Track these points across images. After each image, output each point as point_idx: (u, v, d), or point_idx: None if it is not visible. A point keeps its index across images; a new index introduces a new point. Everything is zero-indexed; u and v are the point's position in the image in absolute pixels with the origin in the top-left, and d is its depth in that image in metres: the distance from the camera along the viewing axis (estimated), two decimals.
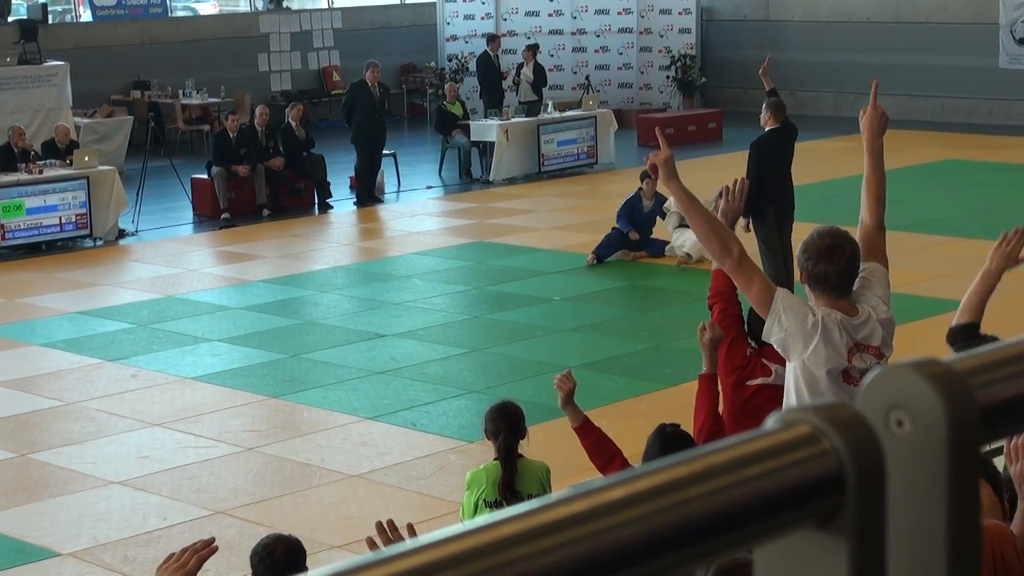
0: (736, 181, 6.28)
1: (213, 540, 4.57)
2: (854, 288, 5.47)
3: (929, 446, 1.17)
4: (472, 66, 25.35)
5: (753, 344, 6.30)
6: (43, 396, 11.68)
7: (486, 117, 22.29)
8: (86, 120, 22.33)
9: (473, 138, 21.67)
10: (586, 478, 6.03)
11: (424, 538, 1.04)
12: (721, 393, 6.33)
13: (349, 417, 10.92)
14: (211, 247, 17.76)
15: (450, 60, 27.47)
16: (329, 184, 19.81)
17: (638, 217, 15.85)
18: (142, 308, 14.38)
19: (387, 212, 19.64)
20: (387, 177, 20.72)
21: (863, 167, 5.79)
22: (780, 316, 5.35)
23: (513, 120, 21.54)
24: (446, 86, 23.68)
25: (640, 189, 15.96)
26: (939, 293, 13.76)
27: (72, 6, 26.33)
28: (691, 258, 15.06)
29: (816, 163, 19.34)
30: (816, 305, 5.40)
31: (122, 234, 18.01)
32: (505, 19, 28.05)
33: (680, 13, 27.69)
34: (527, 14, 28.04)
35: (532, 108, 22.55)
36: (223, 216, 18.76)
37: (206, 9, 28.77)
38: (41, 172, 17.54)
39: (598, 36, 28.10)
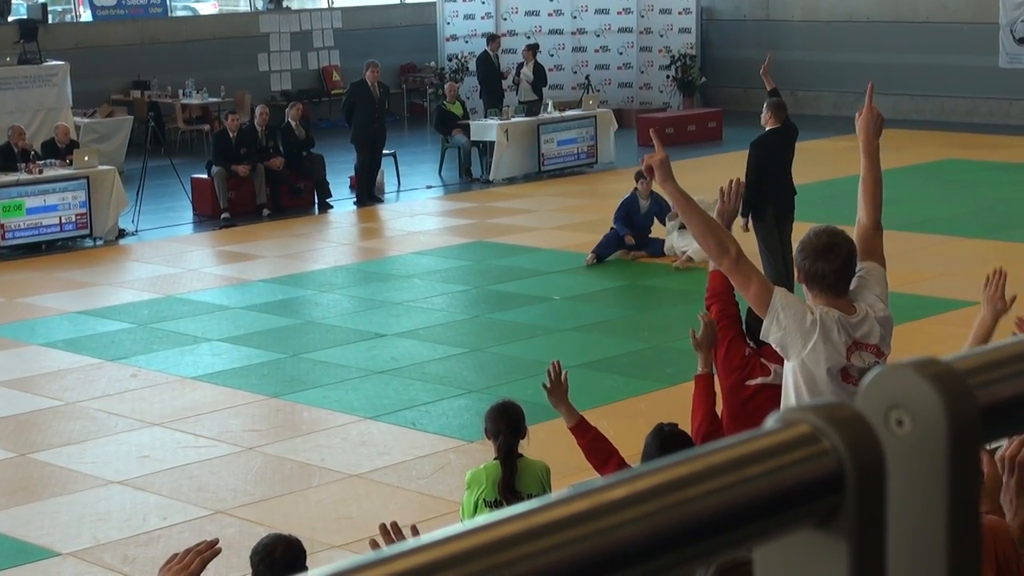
0: (731, 182, 6.29)
1: (216, 542, 4.56)
2: (852, 287, 5.48)
3: (929, 446, 1.17)
4: (472, 66, 25.35)
5: (752, 344, 6.30)
6: (43, 396, 11.68)
7: (486, 117, 22.29)
8: (86, 120, 22.33)
9: (473, 138, 21.67)
10: (586, 478, 6.02)
11: (424, 538, 1.04)
12: (720, 393, 6.34)
13: (349, 417, 10.92)
14: (211, 247, 17.77)
15: (450, 60, 27.47)
16: (328, 184, 19.81)
17: (635, 218, 15.83)
18: (142, 308, 14.38)
19: (387, 212, 19.64)
20: (387, 177, 20.73)
21: (860, 168, 5.80)
22: (778, 315, 5.35)
23: (513, 120, 21.54)
24: (446, 86, 23.68)
25: (635, 189, 15.95)
26: (939, 293, 13.76)
27: (72, 6, 26.33)
28: (693, 261, 15.04)
29: (816, 163, 19.35)
30: (814, 304, 5.41)
31: (122, 234, 18.01)
32: (505, 19, 28.05)
33: (680, 13, 27.70)
34: (527, 14, 28.04)
35: (532, 108, 22.55)
36: (223, 216, 18.77)
37: (206, 9, 28.77)
38: (41, 172, 17.54)
39: (598, 36, 28.11)
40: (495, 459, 6.60)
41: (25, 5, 24.47)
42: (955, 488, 1.18)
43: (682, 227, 14.74)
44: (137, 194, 18.49)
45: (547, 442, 8.33)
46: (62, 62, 21.88)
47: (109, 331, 13.53)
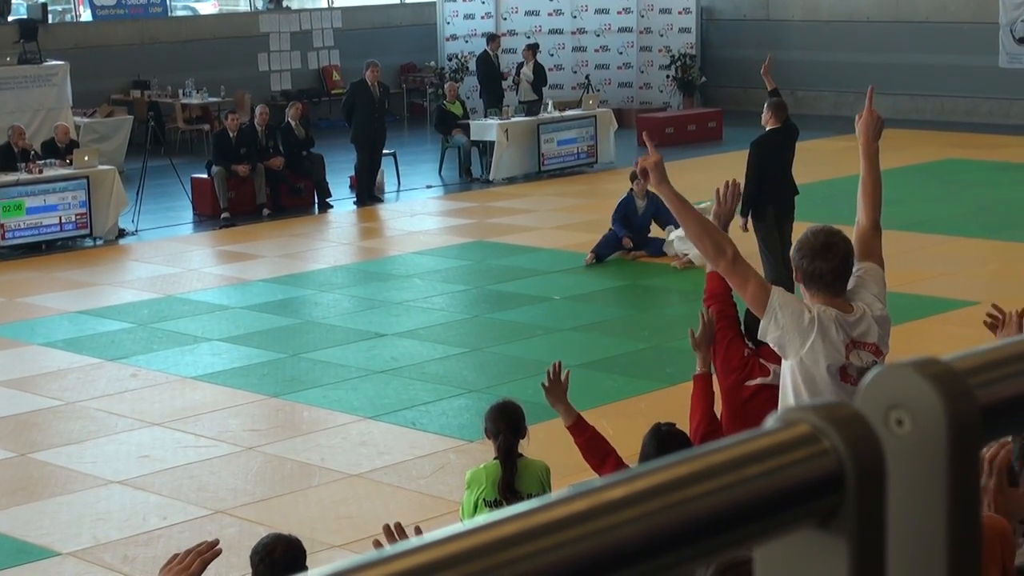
0: (727, 184, 6.30)
1: (217, 542, 4.56)
2: (849, 287, 5.49)
3: (929, 446, 1.17)
4: (472, 65, 25.35)
5: (750, 345, 6.30)
6: (43, 396, 11.68)
7: (486, 116, 22.29)
8: (86, 120, 22.33)
9: (473, 137, 21.67)
10: (586, 478, 6.04)
11: (424, 537, 1.04)
12: (719, 394, 6.34)
13: (349, 416, 10.92)
14: (211, 247, 17.77)
15: (450, 59, 27.47)
16: (328, 184, 19.81)
17: (633, 219, 15.80)
18: (142, 308, 14.38)
19: (387, 211, 19.64)
20: (387, 176, 20.73)
21: (860, 170, 5.81)
22: (776, 314, 5.36)
23: (513, 119, 21.53)
24: (446, 85, 23.68)
25: (631, 190, 15.93)
26: (939, 292, 13.76)
27: (72, 6, 26.33)
28: (693, 265, 15.02)
29: (816, 163, 19.34)
30: (811, 303, 5.42)
31: (122, 234, 18.01)
32: (505, 18, 28.06)
33: (680, 12, 27.70)
34: (527, 13, 28.04)
35: (532, 107, 22.55)
36: (223, 216, 18.77)
37: (206, 9, 28.78)
38: (41, 172, 17.54)
39: (598, 35, 28.11)
40: (495, 459, 6.60)
41: (25, 5, 24.47)
42: (955, 488, 1.18)
43: None
44: (137, 194, 18.49)
45: (547, 442, 8.33)
46: (62, 62, 21.87)
47: (109, 331, 13.53)
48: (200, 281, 15.56)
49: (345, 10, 27.66)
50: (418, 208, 19.65)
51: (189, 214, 19.29)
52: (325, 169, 19.90)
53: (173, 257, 16.81)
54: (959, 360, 1.23)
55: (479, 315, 13.84)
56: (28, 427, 11.01)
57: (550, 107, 22.30)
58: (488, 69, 23.59)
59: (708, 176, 13.21)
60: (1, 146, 18.05)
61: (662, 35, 27.77)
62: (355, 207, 19.75)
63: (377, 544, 4.92)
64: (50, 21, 24.47)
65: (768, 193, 12.98)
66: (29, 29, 22.28)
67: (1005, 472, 4.14)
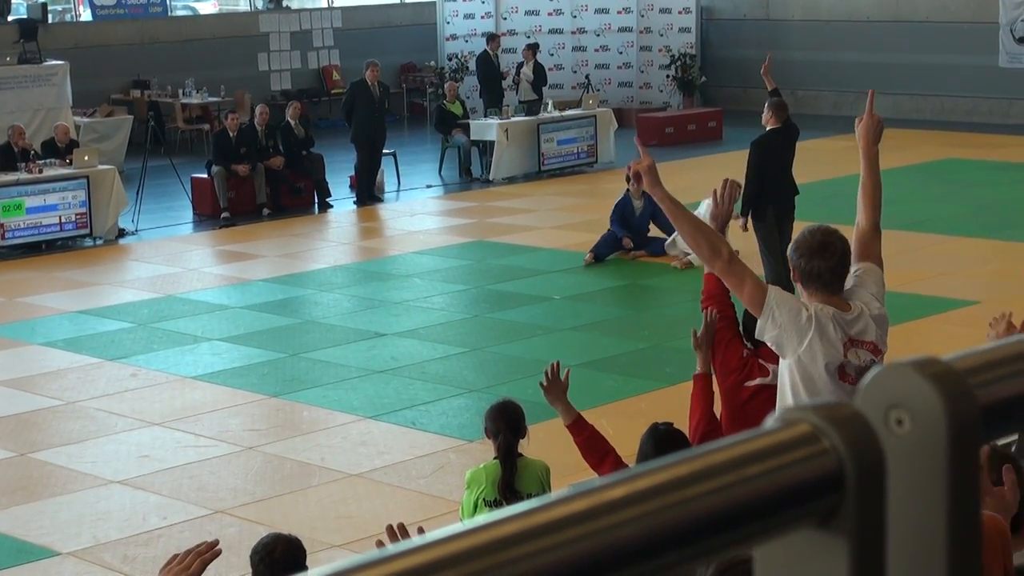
0: (724, 184, 6.31)
1: (216, 543, 4.56)
2: (847, 286, 5.50)
3: (929, 445, 1.17)
4: (472, 65, 25.34)
5: (749, 345, 6.31)
6: (43, 395, 11.68)
7: (486, 116, 22.29)
8: (86, 119, 22.33)
9: (473, 137, 21.67)
10: (585, 477, 6.04)
11: (423, 537, 1.04)
12: (719, 395, 6.34)
13: (349, 416, 10.92)
14: (211, 246, 17.77)
15: (450, 59, 27.47)
16: (328, 183, 19.81)
17: (631, 220, 15.79)
18: (142, 307, 14.38)
19: (387, 211, 19.64)
20: (387, 176, 20.73)
21: (860, 172, 5.82)
22: (773, 313, 5.37)
23: (513, 119, 21.53)
24: (446, 85, 23.68)
25: (628, 191, 15.92)
26: (939, 292, 13.76)
27: (72, 5, 26.33)
28: (693, 266, 14.99)
29: (816, 162, 19.34)
30: (809, 302, 5.43)
31: (122, 233, 18.01)
32: (505, 18, 28.06)
33: (680, 12, 27.70)
34: (527, 13, 28.04)
35: (532, 107, 22.55)
36: (223, 215, 18.77)
37: (206, 8, 28.77)
38: (41, 171, 17.54)
39: (598, 35, 28.11)
40: (495, 458, 6.60)
41: (25, 4, 24.47)
42: (955, 488, 1.18)
43: None
44: (137, 194, 18.49)
45: (547, 442, 8.33)
46: (62, 62, 21.87)
47: (109, 331, 13.53)
48: (200, 281, 15.56)
49: (345, 10, 27.66)
50: (418, 208, 19.64)
51: (189, 214, 19.29)
52: (325, 169, 19.91)
53: (173, 257, 16.81)
54: (959, 360, 1.23)
55: (479, 315, 13.84)
56: (28, 427, 11.00)
57: (550, 107, 22.30)
58: (488, 69, 23.58)
59: (708, 176, 13.20)
60: (1, 146, 18.05)
61: (662, 35, 27.77)
62: (355, 207, 19.75)
63: (380, 544, 4.92)
64: (50, 21, 24.46)
65: (768, 193, 12.97)
66: (29, 29, 22.28)
67: (988, 472, 4.20)
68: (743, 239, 14.36)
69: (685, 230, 5.52)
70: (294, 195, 19.66)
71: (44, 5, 23.82)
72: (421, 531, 4.98)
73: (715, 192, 6.29)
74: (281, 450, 10.26)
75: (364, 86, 19.91)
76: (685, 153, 22.53)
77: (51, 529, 9.04)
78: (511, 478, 6.52)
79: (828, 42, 27.26)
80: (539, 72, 23.77)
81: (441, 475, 9.65)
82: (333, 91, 26.53)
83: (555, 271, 15.36)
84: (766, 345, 5.64)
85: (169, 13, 26.25)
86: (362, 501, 9.29)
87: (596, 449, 6.13)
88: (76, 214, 17.50)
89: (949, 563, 1.18)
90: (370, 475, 9.73)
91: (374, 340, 12.96)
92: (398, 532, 4.99)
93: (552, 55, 27.29)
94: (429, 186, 21.19)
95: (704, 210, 11.39)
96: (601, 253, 15.65)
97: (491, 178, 21.06)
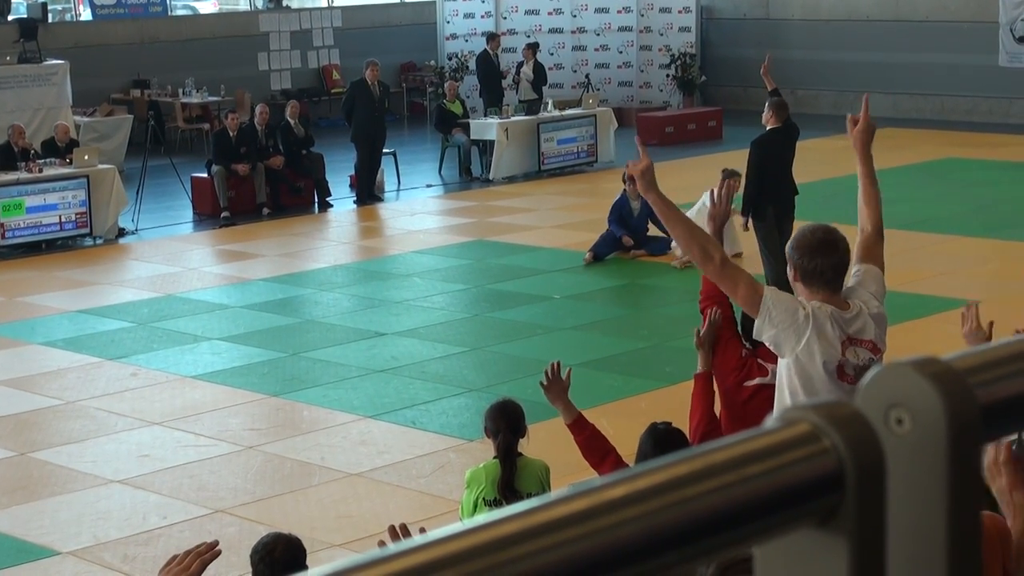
0: (721, 184, 6.32)
1: (216, 543, 4.56)
2: (847, 285, 5.50)
3: (929, 445, 1.17)
4: (472, 65, 25.34)
5: (747, 345, 6.31)
6: (43, 395, 11.68)
7: (486, 116, 22.29)
8: (86, 119, 22.33)
9: (473, 136, 21.67)
10: (585, 477, 6.04)
11: (423, 537, 1.04)
12: (718, 395, 6.34)
13: (349, 415, 10.92)
14: (211, 246, 17.76)
15: (450, 59, 27.47)
16: (328, 183, 19.81)
17: (629, 220, 15.77)
18: (142, 307, 14.38)
19: (387, 211, 19.64)
20: (387, 176, 20.73)
21: (859, 177, 5.84)
22: (770, 312, 5.36)
23: (513, 118, 21.53)
24: (446, 85, 23.69)
25: (625, 191, 15.91)
26: (939, 291, 13.76)
27: (72, 5, 26.33)
28: (692, 266, 14.98)
29: (816, 162, 19.33)
30: (807, 300, 5.42)
31: (122, 233, 18.01)
32: (505, 17, 28.06)
33: (680, 11, 27.70)
34: (527, 12, 28.04)
35: (532, 107, 22.54)
36: (223, 215, 18.77)
37: (206, 8, 28.77)
38: (41, 171, 17.54)
39: (598, 34, 28.11)
40: (495, 458, 6.60)
41: (25, 4, 24.47)
42: (955, 487, 1.18)
43: None
44: (137, 193, 18.49)
45: (547, 441, 8.33)
46: (62, 61, 21.87)
47: (109, 330, 13.53)
48: (200, 280, 15.56)
49: (345, 9, 27.67)
50: (418, 207, 19.64)
51: (189, 213, 19.29)
52: (325, 168, 19.91)
53: (173, 256, 16.81)
54: (959, 359, 1.23)
55: (479, 314, 13.84)
56: (28, 426, 11.01)
57: (550, 106, 22.30)
58: (488, 68, 23.58)
59: (708, 175, 13.21)
60: (1, 145, 18.05)
61: (662, 34, 27.77)
62: (355, 206, 19.75)
63: (382, 545, 4.91)
64: (50, 20, 24.46)
65: (768, 193, 12.98)
66: (29, 28, 22.28)
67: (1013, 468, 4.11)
68: (743, 239, 14.38)
69: (677, 233, 5.52)
70: (294, 194, 19.66)
71: (44, 4, 23.83)
72: (423, 532, 4.99)
73: (712, 192, 6.29)
74: (281, 449, 10.27)
75: (364, 85, 19.91)
76: (685, 153, 22.53)
77: (51, 528, 9.04)
78: (511, 477, 6.52)
79: (828, 42, 27.25)
80: (539, 71, 23.77)
81: (441, 474, 9.66)
82: (333, 91, 26.53)
83: (555, 270, 15.36)
84: (764, 345, 5.64)
85: (169, 12, 26.26)
86: (362, 500, 9.29)
87: (597, 449, 6.13)
88: (76, 213, 17.50)
89: (949, 563, 1.18)
90: (370, 474, 9.73)
91: (374, 339, 12.96)
92: (400, 532, 4.99)
93: (552, 54, 27.29)
94: (429, 185, 21.19)
95: (696, 211, 11.42)
96: (601, 252, 15.65)
97: (491, 177, 21.06)
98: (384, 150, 20.32)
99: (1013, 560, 4.00)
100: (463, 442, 10.19)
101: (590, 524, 1.06)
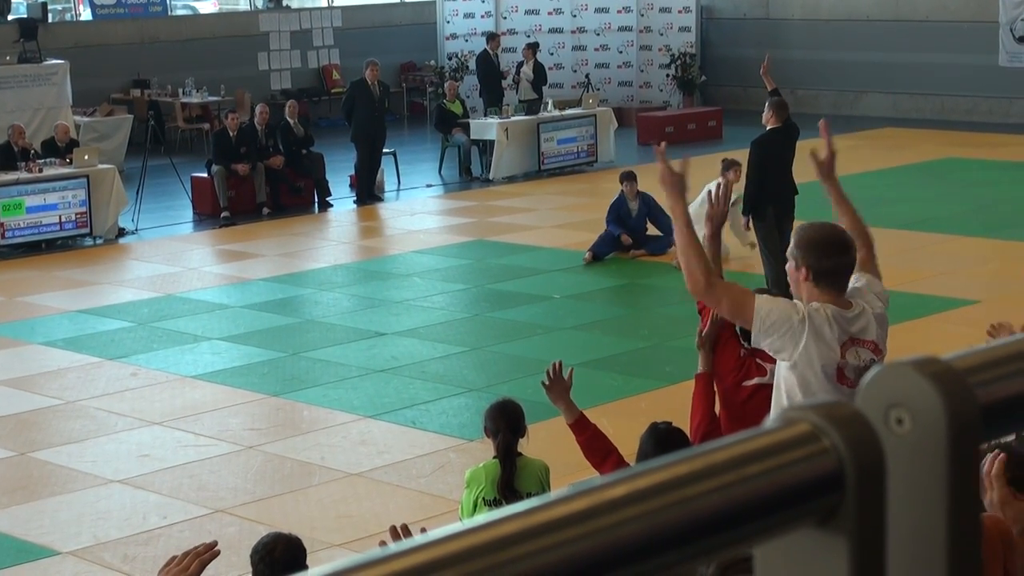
0: (719, 185, 6.31)
1: (215, 544, 4.56)
2: (851, 287, 5.48)
3: (929, 444, 1.17)
4: (472, 64, 25.34)
5: (745, 345, 6.30)
6: (43, 395, 11.68)
7: (486, 115, 22.29)
8: (86, 119, 22.32)
9: (473, 136, 21.67)
10: (585, 476, 6.03)
11: (423, 536, 1.04)
12: (717, 395, 6.34)
13: (349, 415, 10.92)
14: (211, 245, 17.76)
15: (450, 58, 27.47)
16: (328, 182, 19.81)
17: (627, 221, 15.77)
18: (142, 306, 14.38)
19: (387, 210, 19.63)
20: (387, 175, 20.73)
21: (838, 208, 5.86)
22: (764, 322, 5.32)
23: (513, 118, 21.53)
24: (446, 84, 23.69)
25: (622, 191, 15.90)
26: (939, 291, 13.75)
27: (72, 5, 26.32)
28: None
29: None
30: (807, 302, 5.38)
31: (122, 233, 18.01)
32: (505, 17, 28.05)
33: (680, 11, 27.69)
34: (527, 12, 28.04)
35: (532, 106, 22.54)
36: (223, 215, 18.77)
37: (206, 8, 28.77)
38: (41, 171, 17.54)
39: (598, 34, 28.10)
40: (494, 458, 6.60)
41: (25, 4, 24.47)
42: (955, 487, 1.18)
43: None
44: (137, 193, 18.49)
45: (547, 441, 8.33)
46: (62, 61, 21.87)
47: (109, 330, 13.53)
48: (200, 280, 15.55)
49: (345, 9, 27.66)
50: (418, 207, 19.64)
51: (189, 213, 19.28)
52: (325, 168, 19.91)
53: (173, 256, 16.81)
54: (959, 359, 1.23)
55: (479, 314, 13.84)
56: (28, 426, 11.00)
57: (550, 106, 22.30)
58: (488, 68, 23.58)
59: (708, 175, 13.21)
60: (1, 145, 18.05)
61: (662, 34, 27.77)
62: (355, 206, 19.75)
63: (383, 545, 4.91)
64: (50, 20, 24.46)
65: (768, 192, 12.97)
66: (29, 28, 22.27)
67: (1005, 482, 4.08)
68: (742, 239, 14.38)
69: (684, 249, 5.42)
70: (294, 194, 19.65)
71: (44, 4, 23.82)
72: (424, 532, 4.99)
73: (710, 193, 6.28)
74: (281, 449, 10.26)
75: (364, 85, 19.91)
76: (685, 152, 22.48)
77: (51, 528, 9.04)
78: (510, 477, 6.52)
79: (828, 41, 27.25)
80: (539, 71, 23.77)
81: (441, 474, 9.65)
82: (333, 90, 26.53)
83: (555, 270, 15.36)
84: None
85: (169, 12, 26.25)
86: (362, 500, 9.29)
87: (598, 449, 6.13)
88: (76, 213, 17.50)
89: (949, 563, 1.18)
90: (370, 474, 9.73)
91: (374, 339, 12.96)
92: (401, 533, 4.99)
93: (552, 54, 27.28)
94: (429, 185, 21.19)
95: (698, 204, 11.40)
96: (600, 252, 15.64)
97: (491, 177, 21.06)
98: (384, 150, 20.32)
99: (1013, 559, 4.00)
100: (463, 442, 10.19)
101: (590, 524, 1.06)
